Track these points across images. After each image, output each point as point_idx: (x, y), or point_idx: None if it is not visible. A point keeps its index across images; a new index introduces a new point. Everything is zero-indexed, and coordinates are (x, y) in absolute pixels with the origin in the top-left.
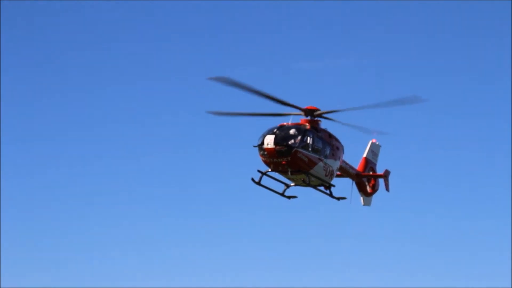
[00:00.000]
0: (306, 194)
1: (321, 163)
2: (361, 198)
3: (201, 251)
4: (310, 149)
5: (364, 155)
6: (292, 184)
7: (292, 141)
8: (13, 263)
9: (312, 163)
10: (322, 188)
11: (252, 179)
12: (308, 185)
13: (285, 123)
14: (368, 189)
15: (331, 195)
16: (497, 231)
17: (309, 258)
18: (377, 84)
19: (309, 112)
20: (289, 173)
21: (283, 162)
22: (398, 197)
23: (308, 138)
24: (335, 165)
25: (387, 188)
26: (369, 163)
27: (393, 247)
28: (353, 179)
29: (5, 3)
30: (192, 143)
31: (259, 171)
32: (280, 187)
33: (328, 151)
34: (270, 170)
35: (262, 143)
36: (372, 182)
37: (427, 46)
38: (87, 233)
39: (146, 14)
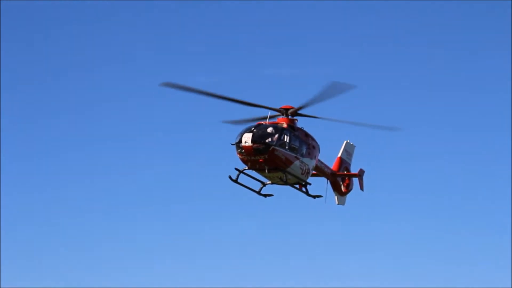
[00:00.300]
0: (282, 192)
1: (297, 162)
2: (336, 198)
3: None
4: (287, 147)
5: (339, 155)
6: (269, 182)
7: (270, 139)
8: (13, 263)
9: (289, 162)
10: (297, 186)
11: (230, 177)
12: (285, 183)
13: (262, 122)
14: (343, 188)
15: (307, 193)
16: (497, 231)
17: (283, 257)
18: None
19: (285, 111)
20: (266, 171)
21: (261, 160)
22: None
23: (285, 136)
24: (311, 163)
25: (361, 187)
26: (343, 163)
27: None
28: (328, 178)
29: (5, 3)
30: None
31: (236, 169)
32: (257, 186)
33: (304, 150)
34: (247, 168)
35: (240, 141)
36: (347, 181)
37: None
38: (87, 233)
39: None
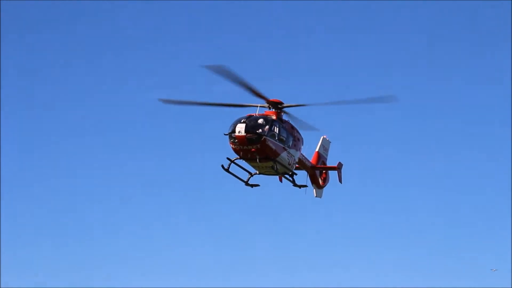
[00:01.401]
0: (268, 183)
1: (285, 152)
2: (314, 190)
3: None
4: (276, 138)
5: (316, 149)
6: (256, 172)
7: (261, 130)
8: (13, 263)
9: (278, 152)
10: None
11: (222, 166)
12: (276, 172)
13: (253, 114)
14: (320, 181)
15: (294, 182)
16: (497, 231)
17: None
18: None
19: (274, 104)
20: (258, 160)
21: (253, 150)
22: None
23: (275, 127)
24: (296, 155)
25: (340, 180)
26: (320, 157)
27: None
28: (308, 171)
29: (5, 3)
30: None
31: (228, 158)
32: (245, 176)
33: (291, 142)
34: (238, 157)
35: (233, 131)
36: (324, 175)
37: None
38: (87, 233)
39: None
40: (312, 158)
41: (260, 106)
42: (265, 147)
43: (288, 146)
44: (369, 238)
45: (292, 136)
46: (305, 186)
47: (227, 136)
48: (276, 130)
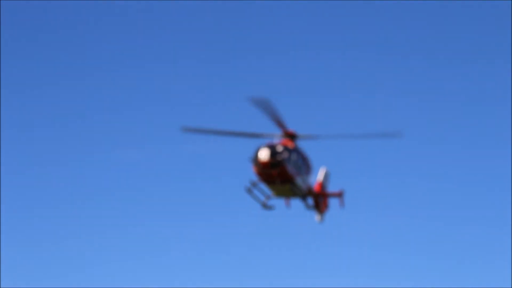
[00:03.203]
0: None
1: (300, 178)
2: (316, 216)
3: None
4: (294, 164)
5: (320, 179)
6: (273, 194)
7: (282, 156)
8: (13, 263)
9: (295, 176)
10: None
11: (246, 188)
12: (294, 194)
13: (273, 142)
14: (322, 208)
15: (306, 204)
16: (497, 231)
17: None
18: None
19: (290, 135)
20: (278, 183)
21: (274, 173)
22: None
23: (293, 155)
24: (308, 180)
25: (342, 205)
26: (322, 187)
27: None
28: (313, 197)
29: (5, 3)
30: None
31: (251, 181)
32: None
33: (304, 169)
34: (260, 180)
35: (257, 156)
36: (325, 202)
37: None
38: (87, 233)
39: None
40: (315, 187)
41: (277, 136)
42: (285, 171)
43: (302, 173)
44: (369, 237)
45: (305, 164)
46: (314, 207)
47: (252, 161)
48: (294, 157)
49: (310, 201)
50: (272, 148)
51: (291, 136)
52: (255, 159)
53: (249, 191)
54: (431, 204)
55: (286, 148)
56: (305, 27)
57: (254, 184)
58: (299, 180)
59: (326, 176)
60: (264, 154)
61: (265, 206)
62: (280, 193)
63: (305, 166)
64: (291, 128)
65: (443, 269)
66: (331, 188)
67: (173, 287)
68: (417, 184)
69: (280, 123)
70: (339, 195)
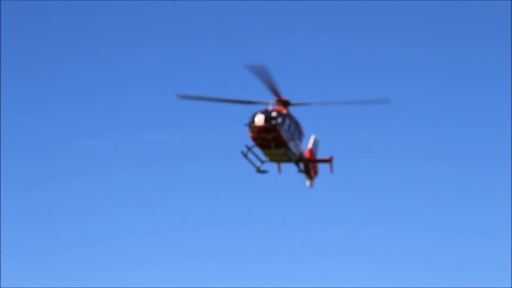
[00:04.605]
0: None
1: (293, 142)
2: (307, 181)
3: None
4: (287, 129)
5: (309, 146)
6: (267, 159)
7: (276, 121)
8: (13, 263)
9: (288, 141)
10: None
11: (241, 152)
12: (288, 157)
13: (267, 108)
14: (312, 173)
15: (299, 168)
16: (497, 231)
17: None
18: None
19: (283, 102)
20: (272, 147)
21: (269, 137)
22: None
23: (287, 120)
24: (300, 146)
25: (331, 171)
26: (312, 153)
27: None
28: (304, 163)
29: (5, 3)
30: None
31: (246, 146)
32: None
33: (297, 134)
34: (255, 145)
35: (253, 121)
36: (315, 168)
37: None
38: (87, 233)
39: None
40: (305, 153)
41: (271, 103)
42: (279, 135)
43: (295, 138)
44: (368, 237)
45: (297, 129)
46: (304, 172)
47: (247, 125)
48: (287, 122)
49: (302, 166)
50: (267, 113)
51: (285, 103)
52: (251, 124)
53: (244, 155)
54: (430, 204)
55: (280, 114)
56: None
57: (249, 149)
58: (292, 145)
59: (316, 143)
60: (259, 119)
61: (259, 170)
62: (273, 158)
63: (297, 132)
64: (284, 96)
65: (443, 269)
66: (321, 155)
67: (173, 287)
68: (406, 148)
69: (274, 90)
70: (329, 161)
